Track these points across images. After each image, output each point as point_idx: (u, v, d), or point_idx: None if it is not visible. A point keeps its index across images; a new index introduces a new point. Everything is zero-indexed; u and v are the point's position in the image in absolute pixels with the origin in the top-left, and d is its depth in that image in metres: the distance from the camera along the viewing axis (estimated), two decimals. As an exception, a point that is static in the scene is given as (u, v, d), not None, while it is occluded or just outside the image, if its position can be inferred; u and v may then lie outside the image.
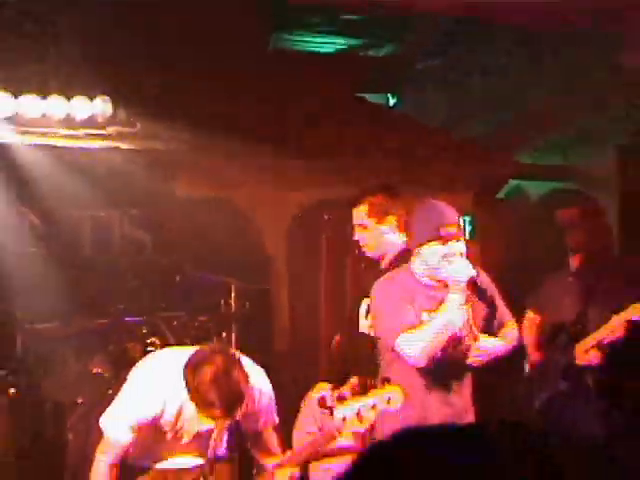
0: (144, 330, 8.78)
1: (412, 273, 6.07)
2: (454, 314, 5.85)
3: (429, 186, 9.76)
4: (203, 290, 9.21)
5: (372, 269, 7.04)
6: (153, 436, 5.65)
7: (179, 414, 5.57)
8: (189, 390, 5.32)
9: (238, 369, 5.37)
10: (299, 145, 9.90)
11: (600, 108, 10.71)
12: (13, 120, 8.73)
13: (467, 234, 6.69)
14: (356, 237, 7.03)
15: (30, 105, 8.68)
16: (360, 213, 6.96)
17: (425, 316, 5.92)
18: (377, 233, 6.92)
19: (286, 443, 6.15)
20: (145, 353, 8.55)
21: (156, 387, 5.57)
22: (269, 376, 5.88)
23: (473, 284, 5.86)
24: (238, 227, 9.86)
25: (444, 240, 5.88)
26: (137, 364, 6.00)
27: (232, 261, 9.23)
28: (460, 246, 5.93)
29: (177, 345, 8.37)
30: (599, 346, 7.27)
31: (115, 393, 8.54)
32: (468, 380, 6.14)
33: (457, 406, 6.02)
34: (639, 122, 10.72)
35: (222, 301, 8.87)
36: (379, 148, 10.39)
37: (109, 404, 8.51)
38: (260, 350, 8.11)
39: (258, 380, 5.65)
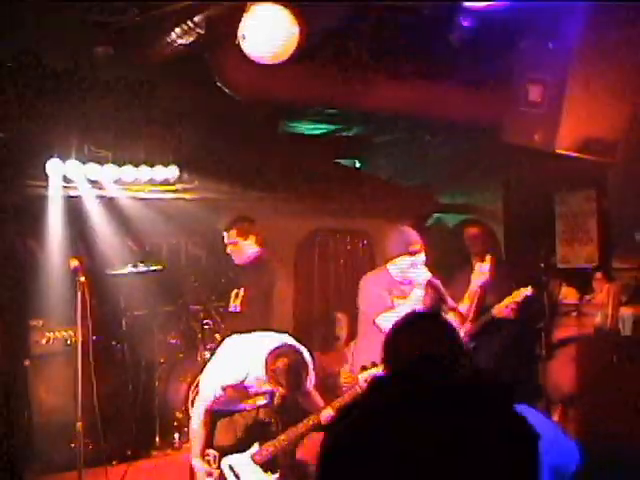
0: (201, 314, 8.81)
1: (389, 274, 6.18)
2: (417, 302, 6.04)
3: (384, 217, 10.01)
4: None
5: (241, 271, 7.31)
6: (235, 393, 5.57)
7: (256, 381, 5.48)
8: (267, 371, 5.30)
9: (302, 364, 5.38)
10: (299, 193, 10.05)
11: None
12: (118, 182, 8.82)
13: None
14: (228, 251, 7.23)
15: (128, 172, 8.80)
16: (232, 234, 7.18)
17: (397, 302, 6.06)
18: (243, 247, 7.18)
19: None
20: (203, 329, 8.74)
21: (243, 361, 5.48)
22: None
23: (429, 282, 6.07)
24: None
25: (411, 254, 6.07)
26: (225, 342, 5.84)
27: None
28: (421, 258, 6.09)
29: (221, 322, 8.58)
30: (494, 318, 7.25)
31: (184, 357, 8.69)
32: None
33: None
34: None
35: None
36: (351, 194, 10.57)
37: (180, 364, 8.62)
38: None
39: (307, 357, 5.51)
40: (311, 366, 5.58)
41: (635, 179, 9.52)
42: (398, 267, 6.13)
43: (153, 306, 8.64)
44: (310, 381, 5.60)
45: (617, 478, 5.28)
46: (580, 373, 7.28)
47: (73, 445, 6.48)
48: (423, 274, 6.05)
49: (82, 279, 6.09)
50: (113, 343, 8.12)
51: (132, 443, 7.58)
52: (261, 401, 5.67)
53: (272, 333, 5.78)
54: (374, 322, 6.00)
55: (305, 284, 10.42)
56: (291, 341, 5.58)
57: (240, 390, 5.54)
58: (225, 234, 7.26)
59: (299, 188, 10.01)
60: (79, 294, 6.15)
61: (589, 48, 7.35)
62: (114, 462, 7.21)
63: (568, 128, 7.96)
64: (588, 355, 7.10)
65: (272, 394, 5.58)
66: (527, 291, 7.12)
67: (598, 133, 8.09)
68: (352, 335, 7.87)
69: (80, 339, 6.31)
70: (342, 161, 11.81)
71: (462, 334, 7.29)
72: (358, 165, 12.24)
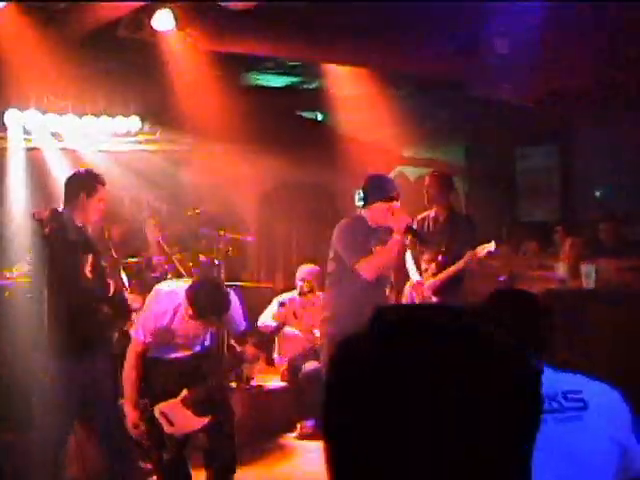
0: (165, 266, 8.59)
1: (366, 220, 6.06)
2: (395, 248, 5.94)
3: (346, 170, 9.94)
4: (201, 238, 9.12)
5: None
6: (164, 337, 5.68)
7: (181, 323, 5.60)
8: (191, 304, 5.44)
9: (223, 289, 5.67)
10: (260, 145, 9.84)
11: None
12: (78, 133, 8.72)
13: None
14: None
15: (89, 122, 8.72)
16: None
17: (374, 250, 5.95)
18: None
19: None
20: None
21: (167, 305, 5.62)
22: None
23: (407, 228, 5.95)
24: (223, 199, 9.89)
25: (388, 200, 5.97)
26: (152, 290, 5.93)
27: (219, 219, 9.18)
28: (397, 204, 5.99)
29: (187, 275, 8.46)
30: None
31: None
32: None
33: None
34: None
35: (215, 247, 8.80)
36: (313, 147, 10.40)
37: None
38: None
39: (233, 297, 5.74)
40: (236, 305, 5.81)
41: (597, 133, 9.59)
42: (375, 213, 6.02)
43: (116, 258, 8.28)
44: (238, 320, 5.91)
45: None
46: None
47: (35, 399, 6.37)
48: (402, 219, 5.94)
49: (46, 231, 5.87)
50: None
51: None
52: (194, 349, 5.84)
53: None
54: (352, 268, 5.91)
55: (267, 237, 10.38)
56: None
57: (167, 334, 5.65)
58: None
59: (261, 140, 9.83)
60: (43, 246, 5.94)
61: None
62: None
63: (534, 80, 7.94)
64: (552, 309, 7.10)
65: (203, 342, 5.85)
66: (490, 247, 7.11)
67: (564, 85, 8.08)
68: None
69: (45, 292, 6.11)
70: (304, 114, 11.72)
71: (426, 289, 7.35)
72: (320, 118, 12.14)
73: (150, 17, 7.77)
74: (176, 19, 7.78)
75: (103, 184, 6.11)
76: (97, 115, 8.85)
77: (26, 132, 8.45)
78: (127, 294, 8.17)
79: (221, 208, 9.18)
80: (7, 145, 8.31)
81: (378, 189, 6.05)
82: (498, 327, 1.15)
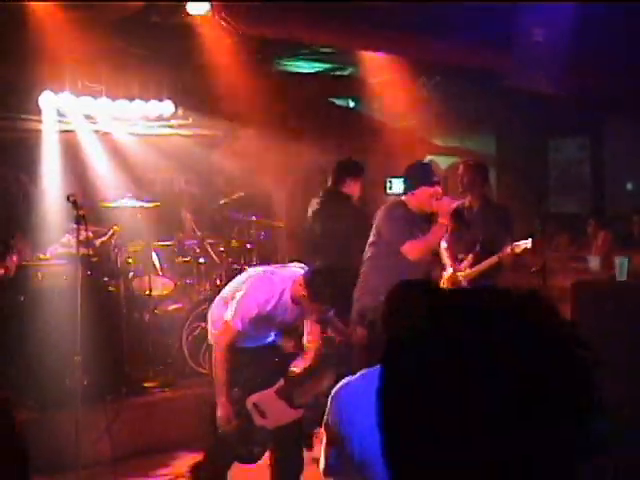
0: (197, 250, 8.56)
1: (406, 205, 6.02)
2: (441, 232, 5.96)
3: (378, 157, 9.87)
4: (233, 223, 9.09)
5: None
6: (261, 326, 5.31)
7: (283, 310, 5.26)
8: (311, 296, 5.15)
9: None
10: (293, 131, 9.81)
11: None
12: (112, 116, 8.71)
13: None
14: None
15: (122, 106, 8.71)
16: None
17: (420, 235, 5.90)
18: None
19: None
20: (198, 265, 8.56)
21: (272, 291, 5.22)
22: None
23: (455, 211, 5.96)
24: (255, 184, 9.83)
25: (432, 185, 5.94)
26: (250, 275, 5.50)
27: (252, 204, 9.13)
28: (440, 189, 5.96)
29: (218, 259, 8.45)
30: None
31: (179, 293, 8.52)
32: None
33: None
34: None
35: (247, 232, 8.77)
36: (345, 133, 10.35)
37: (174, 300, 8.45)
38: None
39: None
40: None
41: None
42: (419, 198, 5.96)
43: (148, 241, 8.33)
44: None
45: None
46: (577, 319, 7.20)
47: (68, 381, 6.35)
48: (448, 203, 5.91)
49: (81, 213, 5.83)
50: (106, 279, 7.67)
51: (126, 380, 7.41)
52: (273, 338, 5.52)
53: (292, 265, 5.62)
54: (399, 251, 5.88)
55: (298, 223, 10.29)
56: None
57: (267, 321, 5.31)
58: None
59: (293, 126, 9.80)
60: (77, 228, 5.90)
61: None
62: (108, 398, 7.04)
63: (568, 71, 7.83)
64: (585, 301, 6.97)
65: (297, 330, 5.57)
66: (528, 243, 7.01)
67: (597, 77, 7.97)
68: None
69: (80, 274, 6.09)
70: (336, 100, 11.62)
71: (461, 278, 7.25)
72: (352, 105, 12.05)
73: (185, 2, 7.72)
74: (210, 4, 7.72)
75: None
76: (131, 99, 8.81)
77: (60, 115, 8.40)
78: (158, 277, 8.27)
79: (253, 193, 9.07)
80: (42, 127, 8.28)
81: (422, 174, 6.05)
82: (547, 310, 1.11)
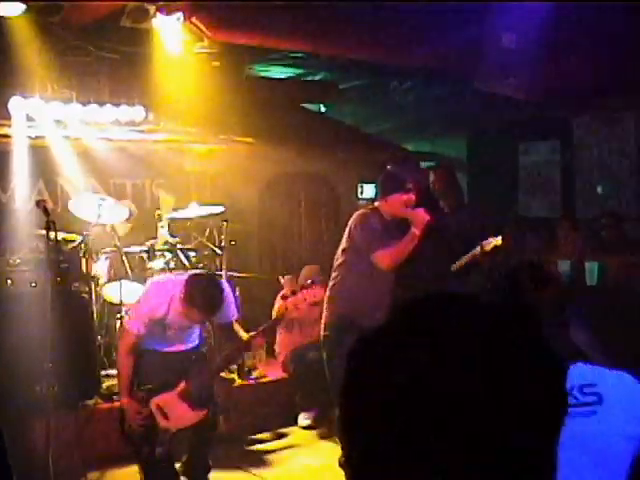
0: (168, 255, 8.34)
1: (381, 213, 6.06)
2: (413, 242, 5.92)
3: (348, 163, 9.83)
4: (204, 228, 8.86)
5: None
6: (157, 330, 5.58)
7: (175, 315, 5.49)
8: (185, 299, 5.32)
9: (218, 287, 5.48)
10: (263, 136, 9.69)
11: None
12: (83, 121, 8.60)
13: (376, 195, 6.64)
14: None
15: (93, 111, 8.61)
16: None
17: (392, 243, 5.93)
18: None
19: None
20: (170, 270, 8.44)
21: (162, 297, 5.50)
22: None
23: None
24: (226, 189, 9.72)
25: (405, 192, 5.97)
26: (147, 282, 5.93)
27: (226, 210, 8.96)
28: (413, 197, 5.98)
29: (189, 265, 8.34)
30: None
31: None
32: None
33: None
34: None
35: (217, 237, 8.56)
36: (315, 139, 10.27)
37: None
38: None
39: (227, 289, 5.65)
40: (230, 297, 5.70)
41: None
42: (391, 205, 6.01)
43: (118, 247, 8.16)
44: (230, 312, 5.73)
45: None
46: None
47: (39, 388, 6.28)
48: (422, 216, 5.93)
49: (50, 218, 5.76)
50: (76, 285, 7.56)
51: (97, 386, 7.31)
52: (189, 343, 5.81)
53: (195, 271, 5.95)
54: (369, 258, 5.94)
55: (268, 227, 10.26)
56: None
57: (160, 326, 5.55)
58: None
59: (263, 132, 9.69)
60: (47, 234, 5.82)
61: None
62: (80, 405, 6.96)
63: (538, 75, 7.86)
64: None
65: (201, 336, 5.89)
66: (497, 241, 7.00)
67: (567, 81, 7.99)
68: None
69: (50, 280, 6.00)
70: (307, 106, 11.55)
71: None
72: (323, 110, 12.02)
73: (155, 6, 7.66)
74: (181, 9, 7.66)
75: None
76: (101, 104, 8.71)
77: (30, 120, 8.30)
78: (129, 283, 8.15)
79: (224, 198, 8.98)
80: (11, 132, 8.18)
81: (395, 181, 6.06)
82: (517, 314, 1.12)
